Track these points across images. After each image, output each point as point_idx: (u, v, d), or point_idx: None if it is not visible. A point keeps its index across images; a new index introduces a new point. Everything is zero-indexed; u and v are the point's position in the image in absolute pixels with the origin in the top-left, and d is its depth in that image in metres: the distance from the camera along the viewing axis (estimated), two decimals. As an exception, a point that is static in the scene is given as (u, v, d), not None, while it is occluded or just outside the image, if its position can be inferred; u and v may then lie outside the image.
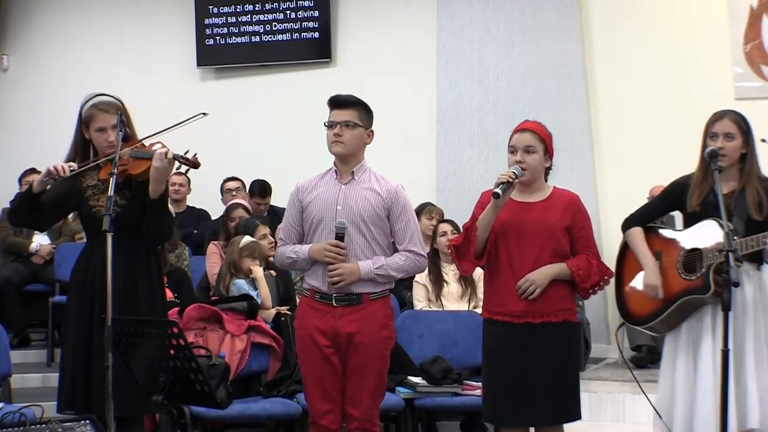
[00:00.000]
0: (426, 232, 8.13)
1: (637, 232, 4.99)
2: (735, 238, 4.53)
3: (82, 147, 5.01)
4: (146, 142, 4.95)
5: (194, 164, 4.87)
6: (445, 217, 7.83)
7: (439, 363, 6.41)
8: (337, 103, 4.91)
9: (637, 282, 4.97)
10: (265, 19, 10.83)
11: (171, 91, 10.88)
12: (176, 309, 6.31)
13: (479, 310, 7.05)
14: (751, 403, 4.58)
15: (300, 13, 10.68)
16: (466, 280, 7.28)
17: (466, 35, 9.93)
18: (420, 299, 7.28)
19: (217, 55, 11.04)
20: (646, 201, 5.95)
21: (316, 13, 10.63)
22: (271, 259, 7.10)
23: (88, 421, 4.57)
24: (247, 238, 7.07)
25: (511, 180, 4.61)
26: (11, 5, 11.75)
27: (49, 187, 4.80)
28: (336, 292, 4.78)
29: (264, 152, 10.51)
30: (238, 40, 10.92)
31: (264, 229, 7.30)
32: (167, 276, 7.17)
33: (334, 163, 4.95)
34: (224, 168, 9.68)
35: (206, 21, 10.99)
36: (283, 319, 6.55)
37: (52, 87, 11.34)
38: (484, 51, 9.85)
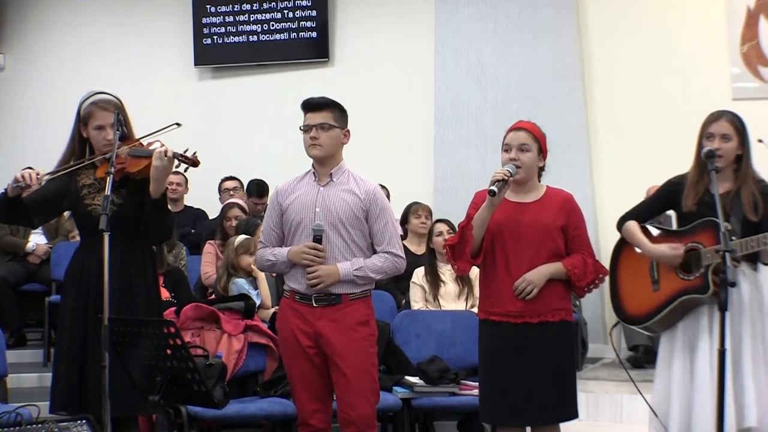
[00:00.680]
0: (417, 231, 8.14)
1: (633, 225, 4.98)
2: (733, 238, 4.54)
3: (80, 145, 5.00)
4: (143, 141, 4.94)
5: (194, 162, 4.87)
6: (442, 217, 7.82)
7: (437, 363, 6.41)
8: (310, 106, 4.90)
9: (633, 281, 4.97)
10: (263, 18, 10.83)
11: (168, 91, 10.89)
12: (173, 309, 6.30)
13: (476, 310, 7.09)
14: (749, 402, 4.59)
15: (298, 12, 10.68)
16: (463, 280, 7.28)
17: (463, 35, 9.94)
18: (417, 300, 7.28)
19: (214, 54, 11.03)
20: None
21: (314, 13, 10.63)
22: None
23: (84, 421, 4.56)
24: (241, 237, 7.08)
25: (506, 178, 4.62)
26: (7, 4, 11.74)
27: (24, 188, 4.77)
28: (316, 293, 4.80)
29: (261, 152, 10.52)
30: (236, 39, 10.92)
31: (266, 228, 7.29)
32: (164, 276, 7.18)
33: (313, 165, 4.96)
34: (222, 167, 9.68)
35: (204, 20, 10.98)
36: (279, 318, 6.54)
37: (48, 86, 11.35)
38: (482, 51, 9.85)
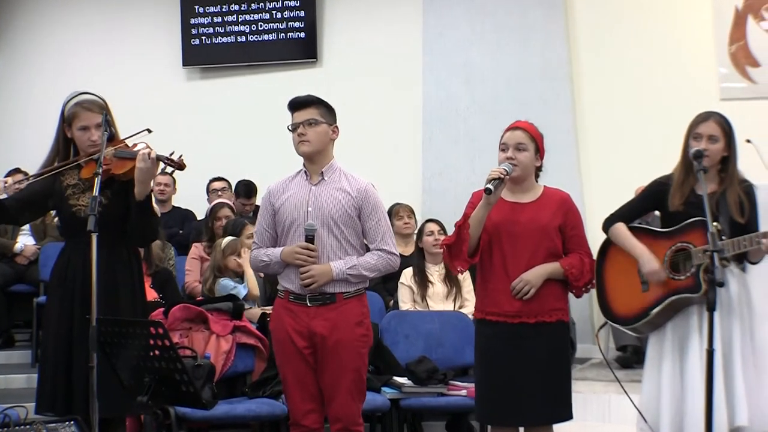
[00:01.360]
0: (401, 232, 8.12)
1: (622, 227, 4.98)
2: (723, 238, 4.55)
3: (64, 145, 4.98)
4: (128, 142, 4.92)
5: (179, 165, 4.86)
6: (430, 218, 7.82)
7: (425, 363, 6.41)
8: (296, 104, 4.90)
9: (621, 281, 4.97)
10: (251, 19, 10.82)
11: (157, 91, 10.88)
12: (161, 309, 6.28)
13: (465, 310, 7.10)
14: (739, 401, 4.60)
15: (286, 13, 10.68)
16: (451, 280, 7.28)
17: (452, 36, 9.94)
18: (405, 300, 7.27)
19: (202, 55, 11.02)
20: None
21: (302, 13, 10.63)
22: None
23: (72, 422, 4.55)
24: (228, 238, 7.07)
25: (502, 176, 4.62)
26: (-4, 5, 11.73)
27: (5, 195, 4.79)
28: (310, 293, 4.79)
29: (250, 152, 10.50)
30: (224, 40, 10.92)
31: (252, 228, 7.25)
32: (153, 276, 7.17)
33: (304, 164, 4.94)
34: (210, 168, 9.68)
35: (192, 21, 10.98)
36: (268, 319, 6.52)
37: (36, 86, 11.32)
38: (470, 52, 9.86)
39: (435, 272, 7.34)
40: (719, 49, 9.08)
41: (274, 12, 10.73)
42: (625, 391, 5.07)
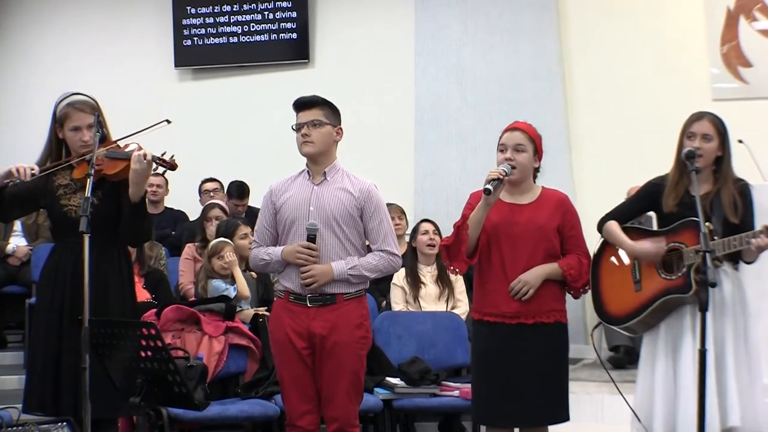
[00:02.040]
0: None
1: (614, 226, 4.98)
2: (715, 238, 4.56)
3: (56, 146, 4.96)
4: (120, 143, 4.91)
5: (171, 166, 4.85)
6: (425, 218, 7.81)
7: (417, 364, 6.42)
8: (301, 105, 4.90)
9: (615, 282, 4.97)
10: (243, 20, 10.81)
11: (149, 92, 10.86)
12: (154, 310, 6.28)
13: (457, 311, 7.10)
14: (732, 402, 4.60)
15: (278, 13, 10.67)
16: (443, 281, 7.29)
17: (444, 36, 9.94)
18: (397, 301, 7.27)
19: (194, 55, 11.01)
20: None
21: (294, 14, 10.62)
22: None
23: (65, 423, 4.54)
24: (215, 240, 7.05)
25: (501, 177, 4.62)
26: (-13, 5, 11.71)
27: (11, 184, 4.76)
28: (310, 293, 4.77)
29: (242, 153, 10.50)
30: (216, 40, 10.90)
31: (245, 229, 7.26)
32: (145, 277, 7.16)
33: (306, 164, 4.94)
34: (202, 169, 9.65)
35: (184, 21, 10.96)
36: (261, 320, 6.53)
37: (27, 86, 11.30)
38: (462, 52, 9.86)
39: (427, 273, 7.35)
40: (711, 50, 9.10)
41: (266, 13, 10.73)
42: (620, 392, 5.07)
